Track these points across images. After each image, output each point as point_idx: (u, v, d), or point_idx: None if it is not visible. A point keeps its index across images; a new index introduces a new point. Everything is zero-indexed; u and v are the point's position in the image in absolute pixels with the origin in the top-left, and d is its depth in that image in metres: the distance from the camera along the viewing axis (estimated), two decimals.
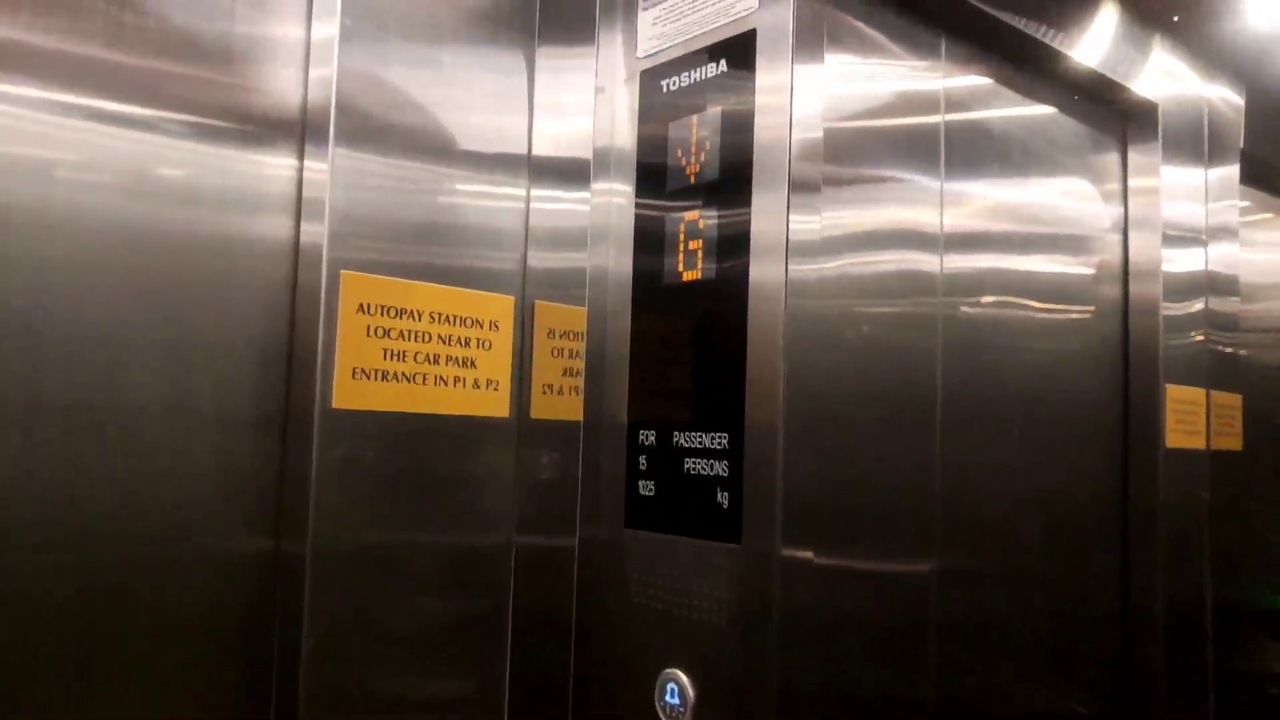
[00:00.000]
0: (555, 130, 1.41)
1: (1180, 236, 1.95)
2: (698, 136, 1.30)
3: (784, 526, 1.16)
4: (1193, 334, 1.99)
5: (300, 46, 1.24)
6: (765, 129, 1.22)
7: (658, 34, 1.38)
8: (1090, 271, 1.87)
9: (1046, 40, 1.64)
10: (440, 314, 1.25)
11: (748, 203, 1.23)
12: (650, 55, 1.39)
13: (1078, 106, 1.85)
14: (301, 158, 1.22)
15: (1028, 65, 1.71)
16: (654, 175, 1.36)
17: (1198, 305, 2.00)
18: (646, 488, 1.31)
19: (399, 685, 1.22)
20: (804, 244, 1.20)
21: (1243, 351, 2.17)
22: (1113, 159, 1.95)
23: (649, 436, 1.31)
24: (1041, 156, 1.77)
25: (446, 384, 1.25)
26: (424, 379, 1.23)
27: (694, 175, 1.30)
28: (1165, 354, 1.90)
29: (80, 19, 1.09)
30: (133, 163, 1.12)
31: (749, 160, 1.24)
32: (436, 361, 1.24)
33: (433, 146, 1.27)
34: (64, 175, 1.07)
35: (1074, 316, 1.83)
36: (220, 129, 1.18)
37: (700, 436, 1.25)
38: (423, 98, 1.26)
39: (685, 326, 1.29)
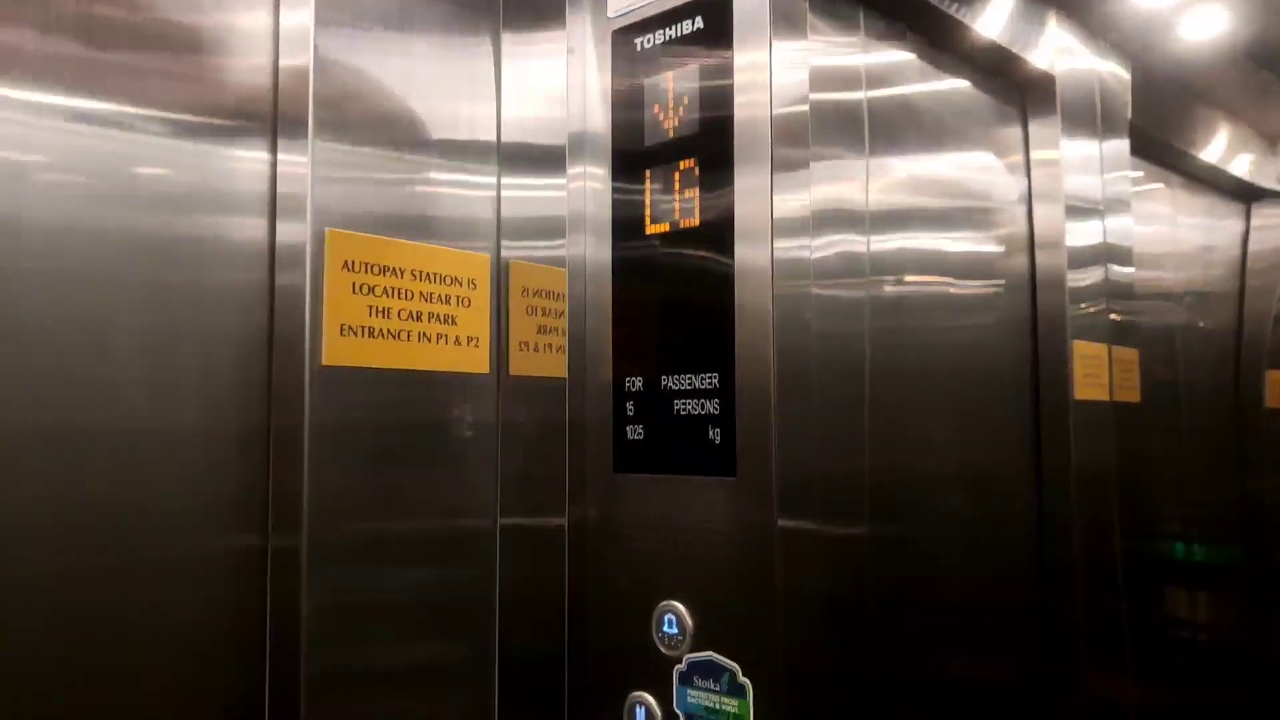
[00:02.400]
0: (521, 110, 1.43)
1: (1080, 208, 2.05)
2: (675, 91, 1.35)
3: (779, 458, 1.21)
4: (1095, 301, 2.09)
5: (270, 36, 1.24)
6: (745, 78, 1.27)
7: None
8: (1001, 244, 1.96)
9: (954, 14, 1.72)
10: (421, 271, 1.28)
11: (730, 153, 1.28)
12: (622, 14, 1.42)
13: (983, 80, 1.95)
14: (275, 151, 1.23)
15: (938, 39, 1.80)
16: (631, 131, 1.41)
17: (1098, 274, 2.10)
18: (635, 432, 1.35)
19: (392, 656, 1.24)
20: (787, 185, 1.25)
21: (1139, 317, 2.29)
22: (1015, 132, 2.06)
23: (635, 383, 1.35)
24: (954, 131, 1.86)
25: (430, 340, 1.28)
26: (408, 335, 1.26)
27: (673, 129, 1.35)
28: (1071, 317, 1.99)
29: (49, 12, 1.07)
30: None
31: (729, 111, 1.29)
32: (419, 319, 1.27)
33: (405, 136, 1.29)
34: (37, 177, 1.06)
35: (987, 288, 1.91)
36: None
37: (690, 378, 1.29)
38: (393, 85, 1.28)
39: (670, 270, 1.34)
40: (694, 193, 1.32)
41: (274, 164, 1.23)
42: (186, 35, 1.18)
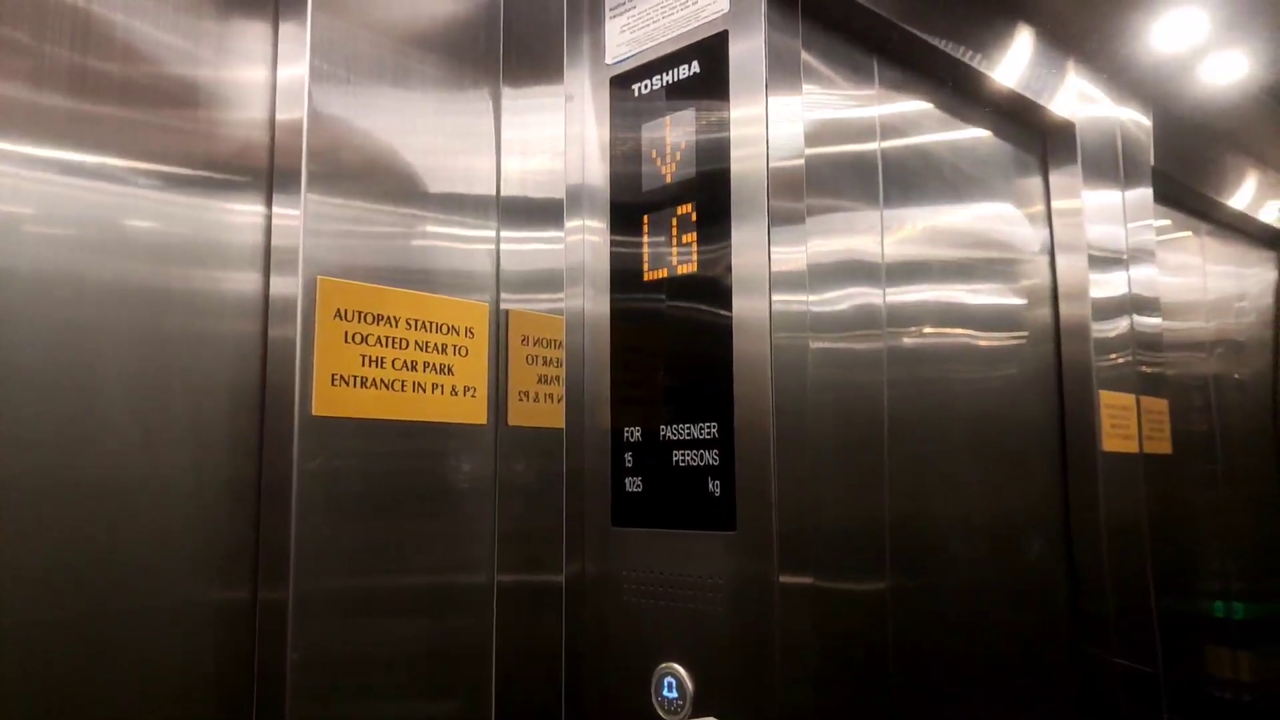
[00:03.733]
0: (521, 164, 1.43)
1: (1103, 258, 2.00)
2: (673, 137, 1.33)
3: (779, 512, 1.18)
4: (1122, 352, 2.04)
5: (266, 90, 1.24)
6: (742, 126, 1.26)
7: (626, 40, 1.41)
8: (1023, 295, 1.92)
9: (971, 62, 1.70)
10: (416, 320, 1.25)
11: (728, 197, 1.27)
12: (620, 61, 1.42)
13: (1001, 128, 1.93)
14: (270, 205, 1.22)
15: (955, 88, 1.78)
16: (629, 179, 1.40)
17: (1124, 324, 2.05)
18: (634, 484, 1.32)
19: (383, 713, 1.20)
20: (785, 238, 1.24)
21: (1169, 368, 2.23)
22: (1036, 182, 2.02)
23: (634, 433, 1.33)
24: (972, 180, 1.83)
25: (425, 390, 1.26)
26: (403, 385, 1.23)
27: (670, 175, 1.33)
28: (1097, 368, 1.94)
29: (43, 65, 1.07)
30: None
31: (727, 155, 1.27)
32: (414, 368, 1.24)
33: (401, 189, 1.28)
34: (28, 230, 1.05)
35: (1010, 339, 1.87)
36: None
37: (689, 428, 1.27)
38: (389, 139, 1.27)
39: (668, 320, 1.32)
40: (691, 238, 1.30)
41: (269, 217, 1.22)
42: (182, 89, 1.18)
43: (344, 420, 1.16)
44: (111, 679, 1.07)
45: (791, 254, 1.25)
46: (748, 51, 1.25)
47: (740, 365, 1.22)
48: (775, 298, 1.20)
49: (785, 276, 1.23)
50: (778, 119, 1.24)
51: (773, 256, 1.20)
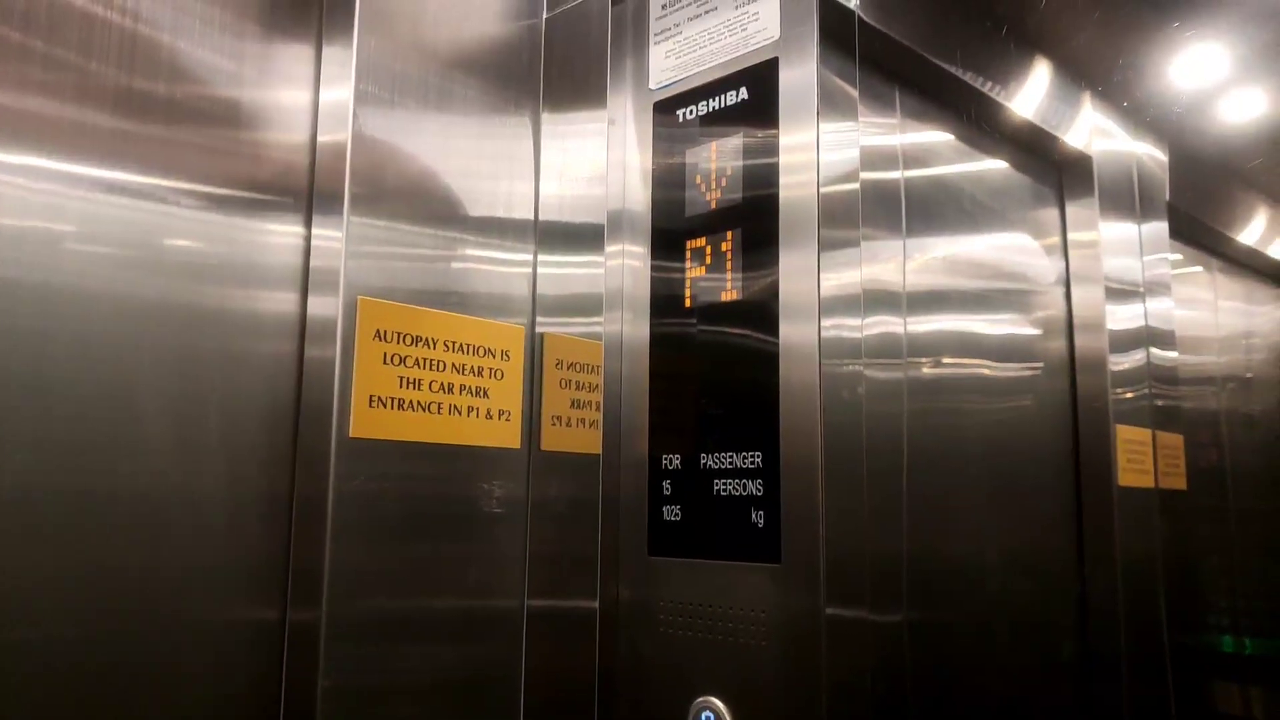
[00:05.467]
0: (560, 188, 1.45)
1: (1120, 290, 2.02)
2: (718, 162, 1.33)
3: (828, 544, 1.16)
4: (1138, 385, 2.05)
5: (308, 112, 1.26)
6: (793, 153, 1.26)
7: (671, 66, 1.41)
8: (1039, 326, 1.94)
9: (990, 93, 1.72)
10: (454, 342, 1.27)
11: (775, 224, 1.26)
12: (664, 86, 1.42)
13: (1019, 160, 1.95)
14: (309, 226, 1.23)
15: (974, 119, 1.80)
16: (671, 205, 1.39)
17: (1140, 357, 2.06)
18: (672, 513, 1.30)
19: None
20: (836, 263, 1.24)
21: (1183, 402, 2.24)
22: (1052, 214, 2.04)
23: (672, 460, 1.31)
24: (990, 211, 1.85)
25: (461, 413, 1.26)
26: (439, 408, 1.24)
27: (715, 201, 1.33)
28: (1113, 401, 1.95)
29: (88, 86, 1.09)
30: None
31: (775, 181, 1.27)
32: (451, 390, 1.25)
33: (441, 212, 1.30)
34: (71, 247, 1.06)
35: (1026, 370, 1.88)
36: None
37: (731, 457, 1.25)
38: (430, 162, 1.29)
39: (710, 345, 1.31)
40: (736, 265, 1.30)
41: (308, 238, 1.23)
42: (224, 110, 1.19)
43: (381, 442, 1.17)
44: (138, 694, 1.07)
45: (843, 279, 1.25)
46: (799, 77, 1.26)
47: (787, 393, 1.21)
48: (825, 324, 1.20)
49: (836, 302, 1.22)
50: (829, 145, 1.24)
51: (823, 282, 1.20)
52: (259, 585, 1.16)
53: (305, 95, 1.25)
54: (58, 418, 1.03)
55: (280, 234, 1.22)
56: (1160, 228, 2.23)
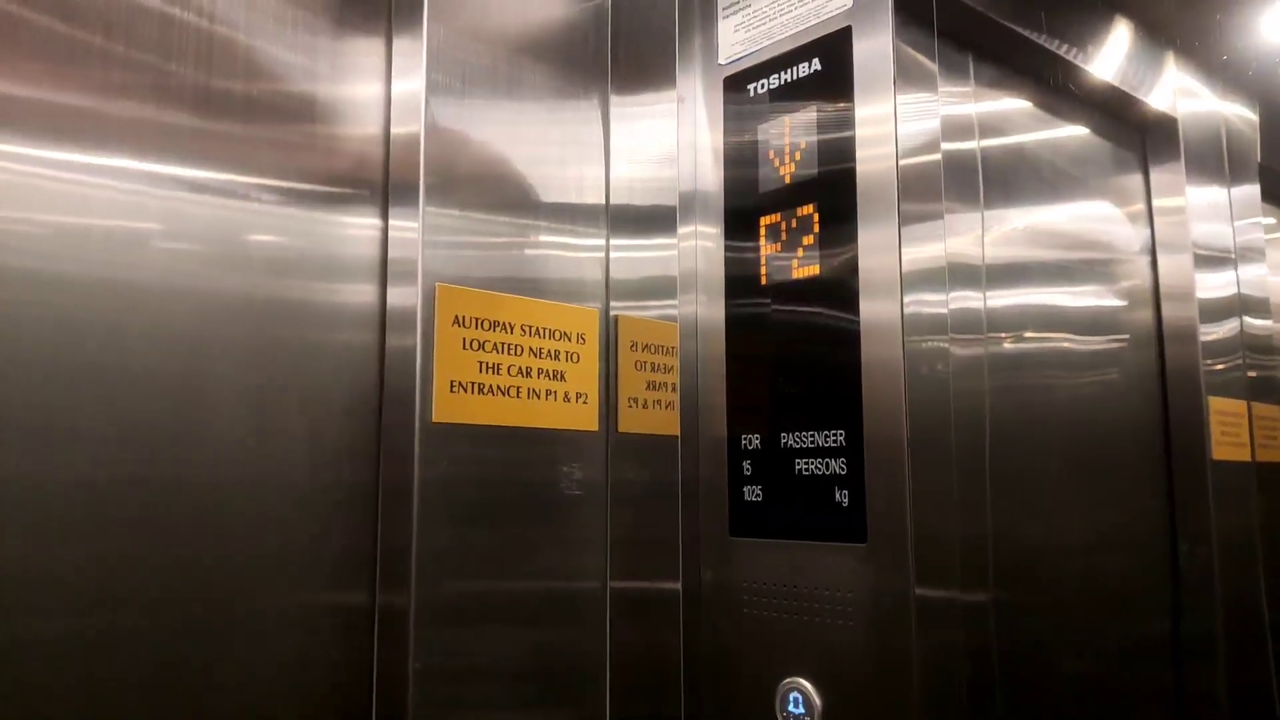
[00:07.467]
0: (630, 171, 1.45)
1: (1210, 257, 1.98)
2: (791, 137, 1.33)
3: (915, 522, 1.16)
4: (1231, 356, 2.01)
5: (380, 104, 1.28)
6: (869, 125, 1.25)
7: (740, 39, 1.41)
8: (1123, 297, 1.90)
9: (1068, 56, 1.69)
10: (530, 326, 1.28)
11: (853, 198, 1.26)
12: (734, 60, 1.42)
13: (1100, 125, 1.91)
14: (386, 217, 1.26)
15: (1051, 84, 1.77)
16: (744, 182, 1.39)
17: (1233, 326, 2.01)
18: (753, 493, 1.31)
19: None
20: (919, 236, 1.23)
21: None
22: (1136, 180, 2.00)
23: (752, 440, 1.32)
24: (1070, 179, 1.82)
25: (539, 397, 1.28)
26: (518, 391, 1.26)
27: (789, 175, 1.33)
28: (1205, 372, 1.91)
29: (169, 87, 1.12)
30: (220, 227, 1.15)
31: (852, 154, 1.26)
32: (529, 374, 1.26)
33: (513, 199, 1.31)
34: (155, 245, 1.10)
35: (1111, 343, 1.85)
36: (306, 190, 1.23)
37: (812, 435, 1.26)
38: (502, 149, 1.30)
39: (787, 323, 1.32)
40: (812, 239, 1.30)
41: (385, 229, 1.25)
42: (300, 105, 1.22)
43: (462, 426, 1.19)
44: (229, 681, 1.11)
45: (925, 254, 1.24)
46: (874, 47, 1.25)
47: (869, 370, 1.21)
48: (907, 299, 1.20)
49: (918, 277, 1.22)
50: (907, 115, 1.23)
51: (905, 256, 1.19)
52: (347, 572, 1.19)
53: (377, 88, 1.28)
54: (144, 411, 1.06)
55: (357, 226, 1.25)
56: (1252, 191, 2.17)
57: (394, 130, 1.26)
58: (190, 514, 1.09)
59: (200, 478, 1.10)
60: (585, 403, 1.32)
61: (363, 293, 1.24)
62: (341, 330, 1.22)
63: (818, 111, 1.31)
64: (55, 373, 1.01)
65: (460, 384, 1.19)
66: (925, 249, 1.25)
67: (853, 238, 1.25)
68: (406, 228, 1.21)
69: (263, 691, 1.13)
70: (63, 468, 1.01)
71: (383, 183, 1.26)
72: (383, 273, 1.24)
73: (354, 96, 1.26)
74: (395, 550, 1.17)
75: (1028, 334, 1.64)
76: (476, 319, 1.22)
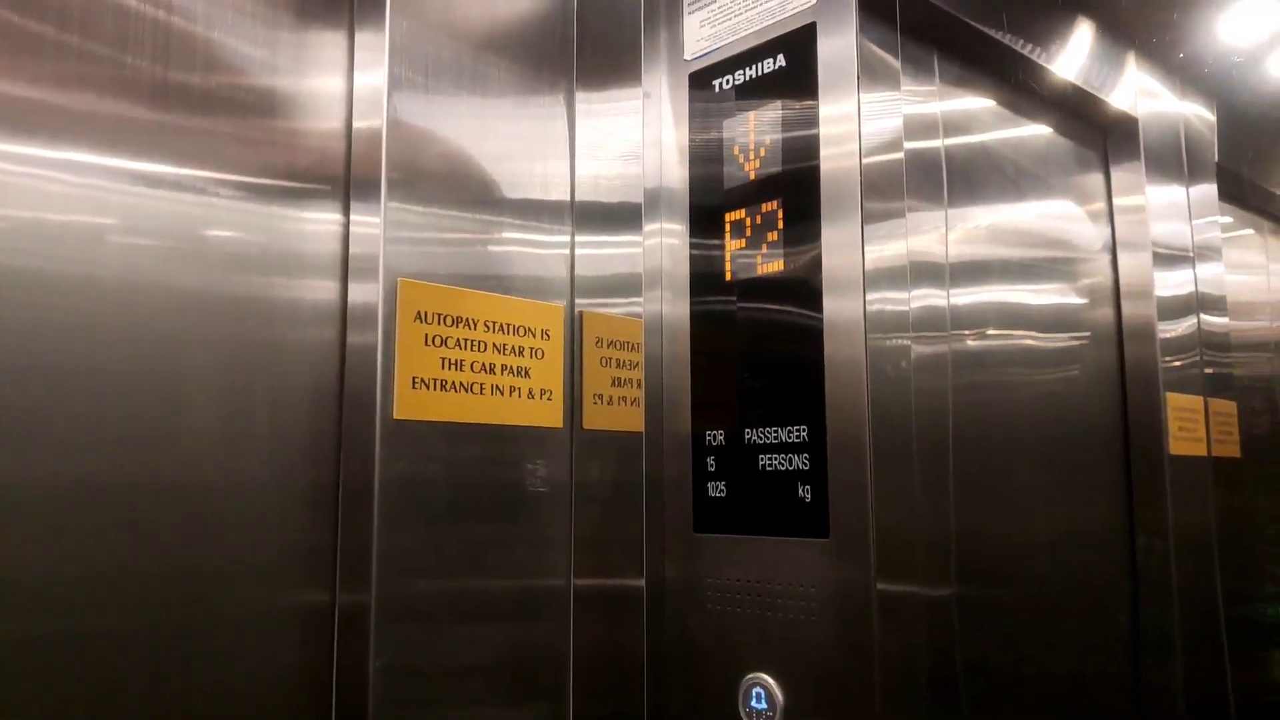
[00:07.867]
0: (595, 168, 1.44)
1: (1168, 255, 2.00)
2: (756, 134, 1.33)
3: (877, 517, 1.17)
4: (1188, 352, 2.03)
5: (343, 99, 1.27)
6: (833, 123, 1.26)
7: (706, 35, 1.41)
8: (1084, 295, 1.92)
9: (1031, 56, 1.70)
10: (494, 322, 1.28)
11: (816, 196, 1.26)
12: (699, 56, 1.42)
13: (1062, 124, 1.93)
14: (347, 213, 1.25)
15: (1015, 83, 1.78)
16: (709, 179, 1.39)
17: (1191, 324, 2.04)
18: (716, 489, 1.31)
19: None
20: (882, 234, 1.24)
21: (1236, 369, 2.22)
22: (1097, 178, 2.02)
23: (716, 437, 1.32)
24: (1033, 177, 1.84)
25: (503, 393, 1.28)
26: (481, 388, 1.25)
27: (754, 171, 1.33)
28: (1163, 369, 1.94)
29: (125, 80, 1.10)
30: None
31: (816, 151, 1.27)
32: (492, 371, 1.26)
33: (477, 195, 1.31)
34: (113, 240, 1.08)
35: (1072, 340, 1.87)
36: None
37: (776, 431, 1.26)
38: (466, 145, 1.30)
39: (752, 320, 1.32)
40: (777, 237, 1.30)
41: (346, 225, 1.24)
42: (260, 99, 1.20)
43: (424, 423, 1.19)
44: (187, 681, 1.10)
45: (888, 251, 1.25)
46: (838, 44, 1.26)
47: (832, 366, 1.21)
48: (870, 297, 1.20)
49: (881, 275, 1.23)
50: (871, 114, 1.24)
51: (868, 254, 1.20)
52: (308, 570, 1.18)
53: (339, 82, 1.27)
54: (103, 409, 1.05)
55: (319, 221, 1.23)
56: (1209, 190, 2.20)
57: (356, 125, 1.25)
58: (146, 514, 1.07)
59: (157, 477, 1.08)
60: (550, 399, 1.32)
61: (324, 289, 1.23)
62: (302, 327, 1.21)
63: (782, 108, 1.31)
64: (3, 369, 0.99)
65: (422, 381, 1.19)
66: (888, 247, 1.26)
67: (816, 235, 1.25)
68: (368, 223, 1.21)
69: (222, 690, 1.12)
70: (16, 467, 0.99)
71: (344, 178, 1.25)
72: (344, 269, 1.23)
73: (316, 90, 1.25)
74: (356, 549, 1.16)
75: (990, 331, 1.66)
76: (439, 315, 1.21)
